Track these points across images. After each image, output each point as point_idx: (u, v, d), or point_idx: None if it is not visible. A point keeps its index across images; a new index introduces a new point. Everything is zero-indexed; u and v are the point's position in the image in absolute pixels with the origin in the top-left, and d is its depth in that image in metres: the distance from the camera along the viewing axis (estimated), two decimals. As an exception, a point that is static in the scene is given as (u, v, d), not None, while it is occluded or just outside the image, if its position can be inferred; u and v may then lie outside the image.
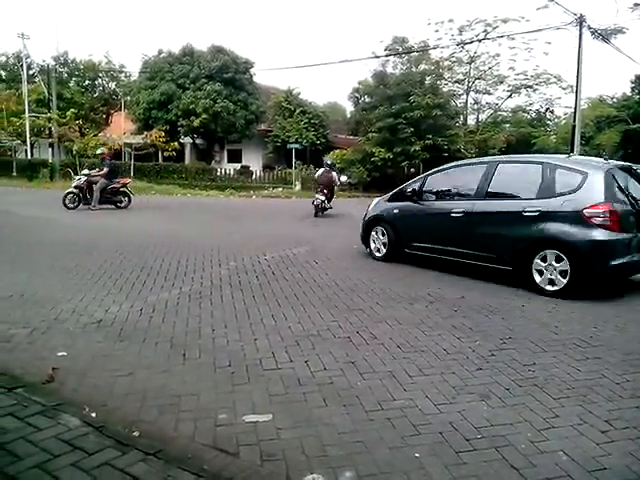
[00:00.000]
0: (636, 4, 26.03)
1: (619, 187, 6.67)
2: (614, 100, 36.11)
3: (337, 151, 30.51)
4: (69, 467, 2.58)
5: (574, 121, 21.20)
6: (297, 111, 32.99)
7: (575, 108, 21.27)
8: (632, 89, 34.15)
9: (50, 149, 32.41)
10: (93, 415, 3.18)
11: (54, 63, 36.53)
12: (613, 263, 6.47)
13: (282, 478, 2.71)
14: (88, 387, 3.69)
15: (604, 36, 25.37)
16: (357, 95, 34.68)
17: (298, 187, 29.04)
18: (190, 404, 3.46)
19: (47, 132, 32.42)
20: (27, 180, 30.23)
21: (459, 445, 3.05)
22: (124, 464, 2.63)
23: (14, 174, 32.69)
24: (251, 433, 3.12)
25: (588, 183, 6.57)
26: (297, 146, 30.00)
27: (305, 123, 32.63)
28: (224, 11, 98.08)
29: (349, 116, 37.78)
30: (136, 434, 3.00)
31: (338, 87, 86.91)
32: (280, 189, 29.04)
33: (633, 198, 6.72)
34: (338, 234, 12.00)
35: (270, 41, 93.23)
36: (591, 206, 6.41)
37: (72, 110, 31.78)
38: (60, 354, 4.25)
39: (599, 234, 6.37)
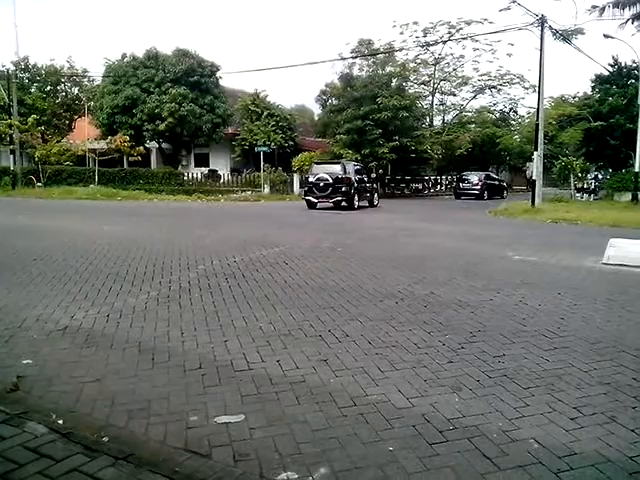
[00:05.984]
0: (594, 6, 26.86)
1: None
2: (575, 99, 37.03)
3: (305, 153, 30.52)
4: (36, 475, 2.51)
5: (537, 120, 21.60)
6: (264, 114, 32.89)
7: (538, 107, 21.70)
8: (592, 88, 35.01)
9: (11, 156, 31.52)
10: (60, 422, 3.09)
11: (14, 68, 35.61)
12: None
13: (256, 477, 2.68)
14: (55, 394, 3.59)
15: (565, 36, 26.04)
16: (324, 97, 34.78)
17: (267, 190, 28.98)
18: (160, 407, 3.40)
19: (8, 139, 31.55)
20: (-12, 189, 29.40)
21: (432, 437, 3.06)
22: (93, 469, 2.56)
23: (-26, 183, 31.69)
24: (223, 434, 3.08)
25: None
26: (265, 149, 29.90)
27: (273, 126, 32.54)
28: (189, 14, 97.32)
29: (317, 118, 37.87)
30: (105, 439, 2.93)
31: (305, 90, 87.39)
32: (249, 192, 28.95)
33: None
34: (308, 237, 11.98)
35: (236, 44, 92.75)
36: None
37: (34, 116, 31.01)
38: (25, 362, 4.14)
39: None
